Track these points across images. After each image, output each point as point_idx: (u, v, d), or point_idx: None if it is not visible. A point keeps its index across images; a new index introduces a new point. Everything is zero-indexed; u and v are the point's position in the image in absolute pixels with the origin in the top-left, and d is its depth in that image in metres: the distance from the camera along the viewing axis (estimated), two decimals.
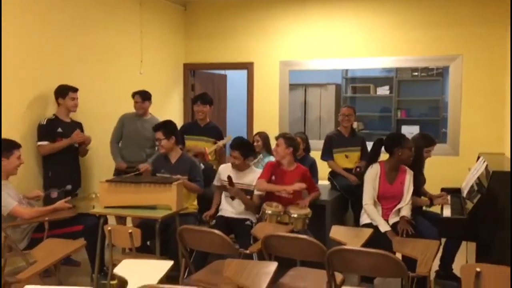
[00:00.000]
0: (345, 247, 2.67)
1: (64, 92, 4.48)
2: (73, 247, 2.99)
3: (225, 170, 4.29)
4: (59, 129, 4.44)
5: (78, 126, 4.66)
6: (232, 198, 4.15)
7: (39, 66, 4.51)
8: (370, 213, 3.81)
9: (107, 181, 3.83)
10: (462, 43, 5.72)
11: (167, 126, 4.25)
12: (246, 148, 4.23)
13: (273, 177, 4.10)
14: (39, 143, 4.38)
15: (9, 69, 4.18)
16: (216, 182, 4.35)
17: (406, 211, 3.78)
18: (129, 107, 5.19)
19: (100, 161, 5.13)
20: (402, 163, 3.90)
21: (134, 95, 5.05)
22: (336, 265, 2.68)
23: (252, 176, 4.19)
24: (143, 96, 5.02)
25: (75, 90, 4.52)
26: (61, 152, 4.42)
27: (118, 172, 4.87)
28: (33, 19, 4.43)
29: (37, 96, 4.50)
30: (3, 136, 3.85)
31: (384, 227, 3.68)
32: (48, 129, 4.40)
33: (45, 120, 4.43)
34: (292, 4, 6.41)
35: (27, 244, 3.70)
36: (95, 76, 5.21)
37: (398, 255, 2.84)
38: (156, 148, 4.82)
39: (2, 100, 4.11)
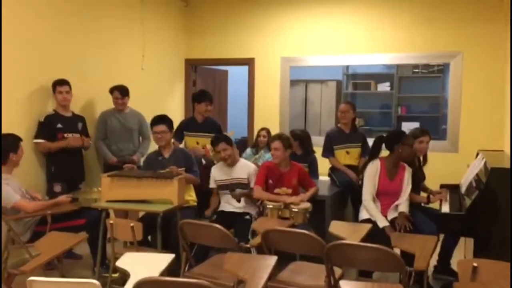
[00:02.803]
0: (344, 241, 2.71)
1: (53, 86, 4.47)
2: (76, 240, 3.02)
3: (216, 170, 4.34)
4: (59, 125, 4.45)
5: (80, 120, 4.68)
6: (238, 200, 4.17)
7: (40, 61, 4.51)
8: (369, 208, 3.85)
9: (109, 175, 3.87)
10: (462, 41, 5.74)
11: (168, 120, 4.31)
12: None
13: (270, 181, 4.12)
14: (34, 140, 4.38)
15: (9, 65, 4.17)
16: (211, 185, 4.37)
17: (404, 207, 3.82)
18: (133, 102, 5.23)
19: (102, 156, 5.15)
20: (403, 160, 3.94)
21: (112, 90, 5.03)
22: (335, 259, 2.72)
23: (243, 169, 4.25)
24: (122, 92, 5.01)
25: (62, 83, 4.47)
26: (64, 149, 4.43)
27: (108, 167, 4.87)
28: (33, 14, 4.43)
29: (37, 91, 4.50)
30: (5, 131, 3.89)
31: (382, 223, 3.72)
32: (47, 126, 4.40)
33: (44, 117, 4.41)
34: (294, 0, 6.42)
35: (30, 237, 3.75)
36: (97, 72, 5.23)
37: (397, 250, 2.87)
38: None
39: (2, 96, 4.12)
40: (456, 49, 5.77)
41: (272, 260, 2.60)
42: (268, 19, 6.57)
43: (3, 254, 3.71)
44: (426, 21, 5.89)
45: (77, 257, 4.49)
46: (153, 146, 5.12)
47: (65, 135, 4.48)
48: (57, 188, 4.36)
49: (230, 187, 4.24)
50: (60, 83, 4.46)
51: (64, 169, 4.45)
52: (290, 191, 4.09)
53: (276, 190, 4.11)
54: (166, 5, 6.48)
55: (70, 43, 4.86)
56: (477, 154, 4.45)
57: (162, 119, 4.27)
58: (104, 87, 5.09)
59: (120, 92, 5.00)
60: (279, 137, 4.18)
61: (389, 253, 2.59)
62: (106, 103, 5.13)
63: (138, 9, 5.89)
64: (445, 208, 3.78)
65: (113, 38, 5.50)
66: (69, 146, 4.45)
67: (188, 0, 6.86)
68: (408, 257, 2.89)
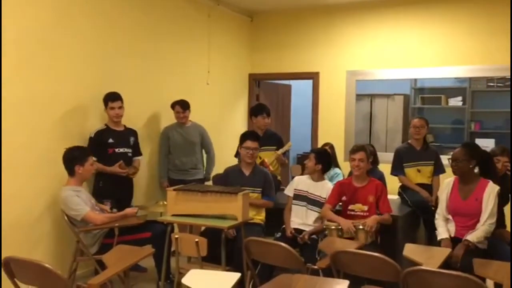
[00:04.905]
0: (423, 267, 2.50)
1: (104, 101, 4.33)
2: (143, 254, 3.01)
3: (300, 181, 4.25)
4: (110, 140, 4.33)
5: (133, 134, 4.56)
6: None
7: (104, 76, 4.53)
8: (436, 223, 3.68)
9: (174, 189, 3.86)
10: None
11: (259, 138, 4.32)
12: (323, 156, 4.20)
13: (344, 197, 3.96)
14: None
15: (71, 77, 4.22)
16: (287, 192, 4.28)
17: (476, 234, 3.45)
18: (197, 117, 5.25)
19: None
20: (463, 176, 3.64)
21: (174, 105, 5.06)
22: (411, 286, 2.52)
23: (324, 188, 4.12)
24: (183, 106, 5.03)
25: (114, 99, 4.31)
26: (112, 162, 4.29)
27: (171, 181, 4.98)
28: (103, 31, 4.52)
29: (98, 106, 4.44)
30: (57, 144, 3.95)
31: (441, 235, 3.54)
32: (97, 142, 4.27)
33: (94, 133, 4.30)
34: (359, 12, 6.26)
35: (97, 249, 3.80)
36: (163, 86, 5.32)
37: None
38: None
39: (60, 109, 4.15)
40: None
41: (343, 285, 2.44)
42: (333, 32, 6.44)
43: (72, 266, 3.80)
44: (503, 31, 5.52)
45: (142, 270, 4.50)
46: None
47: (116, 150, 4.37)
48: (107, 204, 4.16)
49: (307, 200, 4.14)
50: (112, 99, 4.31)
51: (112, 184, 4.29)
52: (365, 208, 3.88)
53: (351, 207, 3.93)
54: (232, 20, 6.53)
55: (136, 57, 4.94)
56: None
57: (256, 136, 4.28)
58: (170, 102, 5.15)
59: (181, 106, 5.04)
60: (363, 147, 4.01)
61: (473, 282, 2.36)
62: (171, 117, 5.18)
63: (205, 24, 5.96)
64: None
65: (179, 53, 5.57)
66: (114, 172, 4.27)
67: (253, 15, 6.88)
68: None
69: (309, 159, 4.16)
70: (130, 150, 4.50)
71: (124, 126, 4.51)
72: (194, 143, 5.15)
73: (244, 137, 4.24)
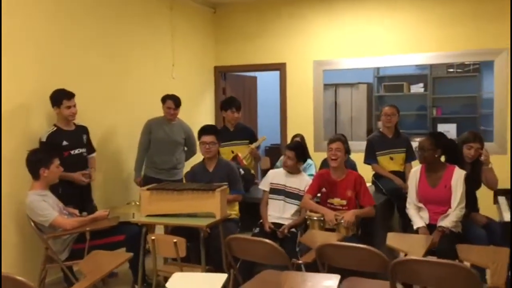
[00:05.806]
0: (412, 257, 2.49)
1: (58, 100, 3.92)
2: (120, 259, 2.86)
3: (275, 174, 4.17)
4: (64, 142, 3.95)
5: (84, 131, 4.20)
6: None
7: (65, 69, 4.29)
8: (407, 212, 3.74)
9: (148, 188, 3.71)
10: (507, 37, 5.44)
11: (217, 131, 4.17)
12: (301, 152, 4.16)
13: (324, 189, 3.91)
14: None
15: (27, 71, 3.97)
16: (262, 186, 4.20)
17: (449, 220, 3.50)
18: (161, 112, 5.07)
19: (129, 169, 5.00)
20: (430, 164, 3.71)
21: (165, 99, 4.76)
22: (400, 276, 2.50)
23: (301, 181, 4.07)
24: (176, 103, 4.76)
25: (70, 96, 3.94)
26: (71, 167, 3.92)
27: (146, 179, 4.73)
28: (55, 24, 4.24)
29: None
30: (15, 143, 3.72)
31: (417, 224, 3.59)
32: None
33: (46, 136, 3.89)
34: (324, 2, 6.23)
35: (68, 255, 3.61)
36: (127, 81, 5.11)
37: None
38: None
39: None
40: (501, 46, 5.48)
41: (335, 279, 2.39)
42: (299, 22, 6.37)
43: (41, 274, 3.60)
44: (461, 18, 5.62)
45: (112, 275, 4.25)
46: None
47: (72, 152, 4.01)
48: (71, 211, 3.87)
49: (284, 193, 4.06)
50: (68, 97, 3.93)
51: (73, 190, 3.97)
52: (344, 202, 3.84)
53: (329, 200, 3.88)
54: (195, 12, 6.35)
55: (98, 51, 4.71)
56: None
57: (211, 129, 4.11)
58: (136, 97, 4.96)
59: (174, 102, 4.75)
60: (339, 138, 3.96)
61: (461, 268, 2.36)
62: (135, 112, 4.99)
63: (168, 17, 5.77)
64: (507, 216, 3.51)
65: (143, 47, 5.37)
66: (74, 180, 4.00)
67: (216, 6, 6.72)
68: None
69: (288, 158, 4.05)
70: (84, 150, 4.15)
71: (74, 124, 4.13)
72: (177, 143, 4.86)
73: (199, 133, 4.09)
